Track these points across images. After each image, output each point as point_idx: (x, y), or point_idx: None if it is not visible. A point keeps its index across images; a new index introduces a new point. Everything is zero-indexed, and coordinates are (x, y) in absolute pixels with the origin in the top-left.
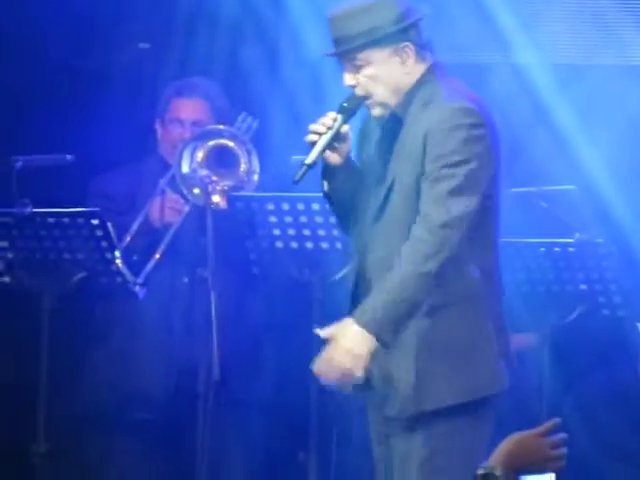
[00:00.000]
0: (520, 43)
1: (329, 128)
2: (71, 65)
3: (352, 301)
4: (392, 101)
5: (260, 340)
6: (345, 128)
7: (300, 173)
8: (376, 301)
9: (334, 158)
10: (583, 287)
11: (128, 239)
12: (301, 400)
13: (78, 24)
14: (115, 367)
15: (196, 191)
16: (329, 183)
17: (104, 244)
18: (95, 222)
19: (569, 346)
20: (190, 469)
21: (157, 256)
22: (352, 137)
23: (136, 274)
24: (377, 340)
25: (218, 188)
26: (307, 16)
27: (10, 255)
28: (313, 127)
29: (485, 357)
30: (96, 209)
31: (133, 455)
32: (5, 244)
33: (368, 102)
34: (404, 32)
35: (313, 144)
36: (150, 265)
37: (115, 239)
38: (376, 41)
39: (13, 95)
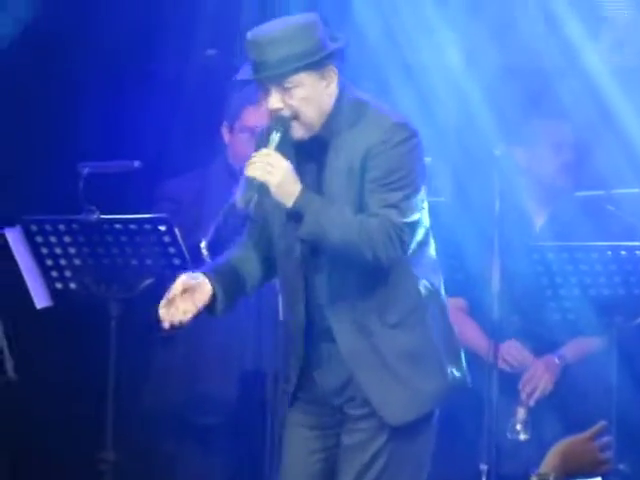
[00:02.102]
0: (586, 47)
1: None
2: (140, 71)
3: (305, 335)
4: (318, 123)
5: None
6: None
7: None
8: (330, 209)
9: None
10: None
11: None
12: None
13: (147, 30)
14: (182, 373)
15: None
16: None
17: (172, 250)
18: (163, 228)
19: (637, 349)
20: (258, 475)
21: None
22: None
23: None
24: (292, 207)
25: None
26: (371, 21)
27: (77, 262)
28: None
29: (436, 368)
30: (163, 215)
31: (202, 461)
32: (73, 251)
33: (294, 124)
34: (331, 56)
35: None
36: None
37: (183, 244)
38: (310, 64)
39: (82, 101)
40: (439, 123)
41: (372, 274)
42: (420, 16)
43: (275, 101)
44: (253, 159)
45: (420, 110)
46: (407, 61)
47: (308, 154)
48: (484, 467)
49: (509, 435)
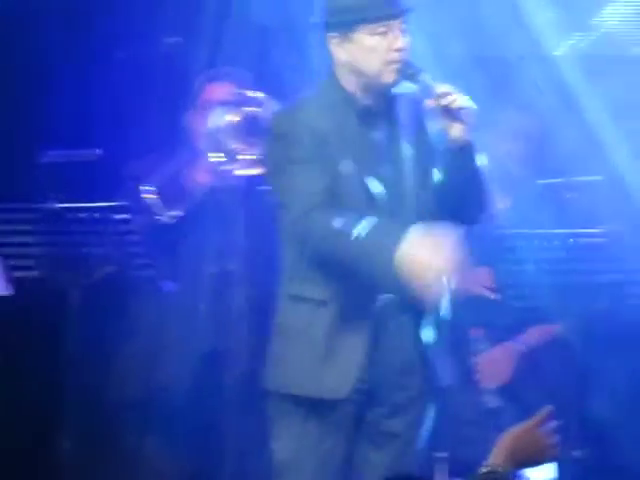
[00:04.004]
0: (550, 34)
1: None
2: (102, 58)
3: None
4: None
5: None
6: None
7: None
8: None
9: None
10: (610, 277)
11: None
12: None
13: (110, 17)
14: (143, 361)
15: (221, 156)
16: None
17: (132, 238)
18: (123, 217)
19: (596, 336)
20: (219, 467)
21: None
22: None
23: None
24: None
25: (247, 157)
26: None
27: (38, 250)
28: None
29: None
30: (124, 203)
31: (164, 451)
32: (33, 239)
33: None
34: None
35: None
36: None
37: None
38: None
39: (39, 88)
40: None
41: None
42: None
43: (403, 41)
44: (452, 92)
45: None
46: None
47: (371, 121)
48: (442, 454)
49: (490, 405)
